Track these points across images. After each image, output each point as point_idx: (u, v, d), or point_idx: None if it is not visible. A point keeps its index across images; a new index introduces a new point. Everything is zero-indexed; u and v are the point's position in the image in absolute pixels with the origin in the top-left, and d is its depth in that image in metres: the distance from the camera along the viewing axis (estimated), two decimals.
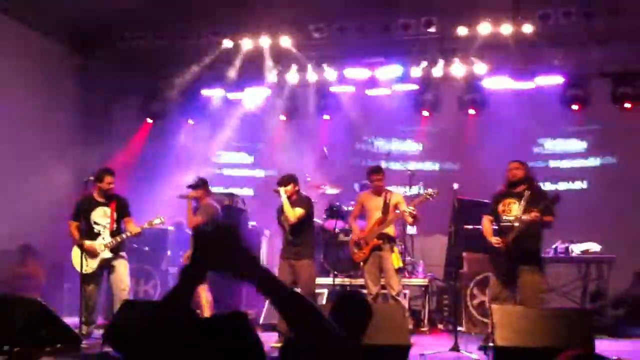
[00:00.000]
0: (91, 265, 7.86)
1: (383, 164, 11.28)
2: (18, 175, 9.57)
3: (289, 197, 7.89)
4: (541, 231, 7.27)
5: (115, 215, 8.01)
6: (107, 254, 7.88)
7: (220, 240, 2.15)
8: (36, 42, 10.46)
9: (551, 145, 11.71)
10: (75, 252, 7.88)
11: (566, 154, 11.62)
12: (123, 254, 8.07)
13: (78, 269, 7.82)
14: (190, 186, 8.37)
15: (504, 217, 7.24)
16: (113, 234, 7.94)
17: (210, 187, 8.65)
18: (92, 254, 7.85)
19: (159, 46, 11.23)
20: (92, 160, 10.60)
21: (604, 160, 11.35)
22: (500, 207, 7.30)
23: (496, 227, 7.38)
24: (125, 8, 9.82)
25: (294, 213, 7.80)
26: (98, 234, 7.93)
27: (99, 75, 11.40)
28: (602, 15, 10.00)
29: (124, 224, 8.04)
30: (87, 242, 7.84)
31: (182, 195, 8.45)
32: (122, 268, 7.97)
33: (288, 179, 8.02)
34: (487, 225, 7.42)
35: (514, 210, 7.19)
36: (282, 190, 7.91)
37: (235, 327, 2.12)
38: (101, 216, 7.98)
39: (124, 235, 7.95)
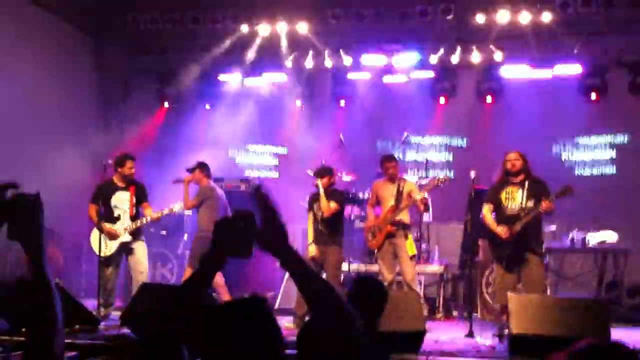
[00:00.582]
0: (110, 248, 7.95)
1: (399, 152, 11.38)
2: (35, 158, 9.62)
3: (325, 190, 8.02)
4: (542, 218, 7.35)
5: (134, 200, 8.09)
6: (127, 238, 7.97)
7: (240, 226, 2.17)
8: (52, 26, 10.49)
9: (568, 134, 11.61)
10: (95, 235, 7.96)
11: (583, 144, 11.53)
12: (142, 237, 8.15)
13: (97, 251, 7.90)
14: (187, 170, 8.60)
15: (509, 205, 7.25)
16: (133, 219, 8.03)
17: (209, 171, 8.79)
18: (112, 237, 7.93)
19: (176, 31, 11.25)
20: (109, 144, 10.70)
21: (621, 149, 11.26)
22: (504, 195, 7.32)
23: (497, 216, 7.38)
24: None
25: (328, 207, 7.96)
26: (118, 218, 8.02)
27: (116, 59, 11.44)
28: (621, 4, 9.94)
29: (142, 209, 8.12)
30: (107, 225, 7.92)
31: (177, 179, 8.60)
32: (141, 251, 8.06)
33: (326, 171, 8.20)
34: (488, 214, 7.44)
35: (517, 199, 7.21)
36: (319, 182, 8.07)
37: (253, 310, 2.15)
38: (121, 200, 8.07)
39: (144, 220, 8.03)
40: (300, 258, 2.16)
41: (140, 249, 8.06)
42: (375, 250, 8.32)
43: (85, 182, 9.46)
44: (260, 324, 2.13)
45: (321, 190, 8.04)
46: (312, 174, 8.38)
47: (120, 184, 8.13)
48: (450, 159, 12.03)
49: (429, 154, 11.49)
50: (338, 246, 8.08)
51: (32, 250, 2.19)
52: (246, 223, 2.18)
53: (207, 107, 12.42)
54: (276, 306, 8.96)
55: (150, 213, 8.08)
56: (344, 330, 2.13)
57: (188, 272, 8.34)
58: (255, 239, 2.16)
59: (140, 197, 8.18)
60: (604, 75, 11.03)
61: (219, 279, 8.07)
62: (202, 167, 8.65)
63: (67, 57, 10.81)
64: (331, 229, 8.07)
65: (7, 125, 9.12)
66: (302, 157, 11.35)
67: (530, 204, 7.13)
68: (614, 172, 11.17)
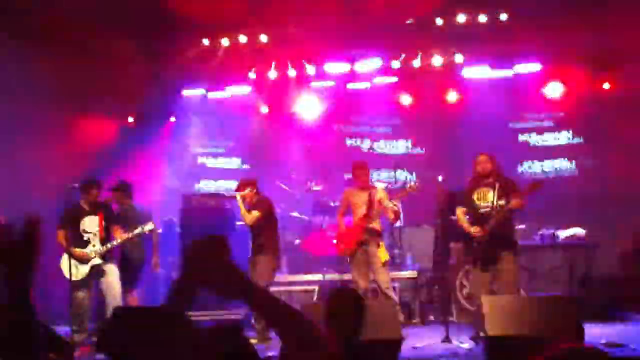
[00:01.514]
0: (81, 272, 7.84)
1: (366, 152, 11.44)
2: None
3: (248, 201, 8.19)
4: (513, 216, 7.47)
5: (103, 223, 8.02)
6: (98, 261, 7.88)
7: (206, 256, 2.15)
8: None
9: (530, 132, 11.78)
10: (65, 259, 7.85)
11: (545, 141, 11.70)
12: (113, 260, 8.07)
13: (68, 276, 7.78)
14: (110, 189, 8.77)
15: (481, 204, 7.35)
16: (103, 242, 7.95)
17: (129, 191, 8.87)
18: (83, 261, 7.83)
19: (138, 46, 11.13)
20: (73, 165, 10.54)
21: (580, 146, 11.47)
22: (475, 196, 7.41)
23: (470, 217, 7.47)
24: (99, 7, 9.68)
25: (250, 216, 8.12)
26: (87, 242, 7.93)
27: (75, 76, 11.18)
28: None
29: (112, 232, 8.05)
30: (77, 250, 7.82)
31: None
32: (113, 274, 7.96)
33: (244, 184, 8.34)
34: (462, 216, 7.53)
35: (489, 198, 7.31)
36: (238, 195, 8.23)
37: (230, 338, 2.13)
38: (90, 224, 7.99)
39: (114, 242, 7.95)
40: (264, 294, 2.15)
41: (112, 272, 7.97)
42: (348, 259, 8.31)
43: (52, 205, 9.32)
44: (238, 351, 2.12)
45: (239, 202, 8.18)
46: (284, 187, 8.40)
47: (87, 208, 8.05)
48: (417, 161, 12.11)
49: (395, 157, 11.55)
50: (265, 257, 8.12)
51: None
52: (212, 251, 2.15)
53: (172, 119, 12.32)
54: (253, 321, 8.90)
55: (120, 235, 8.00)
56: (317, 356, 2.12)
57: None
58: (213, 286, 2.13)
59: (110, 220, 8.11)
60: (564, 72, 11.20)
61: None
62: (123, 187, 8.75)
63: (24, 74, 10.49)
64: (261, 238, 8.17)
65: None
66: (269, 167, 11.36)
67: (502, 202, 7.23)
68: (575, 168, 11.36)
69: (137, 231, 8.07)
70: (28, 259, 2.20)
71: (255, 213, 8.09)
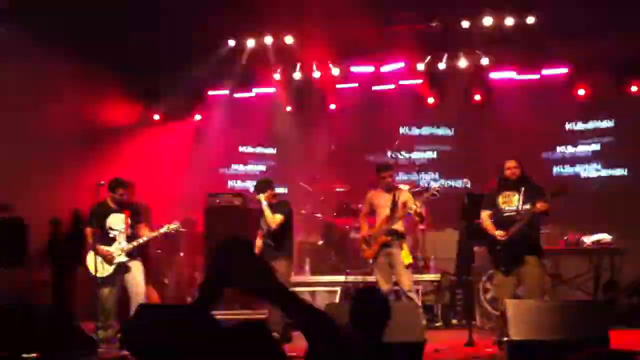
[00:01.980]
0: (107, 269, 7.92)
1: (390, 157, 11.41)
2: (30, 182, 9.58)
3: (269, 203, 8.14)
4: (540, 221, 7.40)
5: (129, 221, 8.10)
6: (123, 258, 7.96)
7: (234, 258, 2.16)
8: (35, 43, 10.29)
9: (557, 136, 11.67)
10: (90, 257, 7.94)
11: (573, 145, 11.59)
12: (138, 258, 8.14)
13: (94, 273, 7.87)
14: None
15: (506, 208, 7.30)
16: (129, 239, 8.03)
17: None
18: (108, 259, 7.91)
19: (164, 45, 11.20)
20: (100, 162, 10.68)
21: (609, 150, 11.34)
22: (500, 200, 7.37)
23: (494, 220, 7.42)
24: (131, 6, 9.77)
25: (274, 219, 8.06)
26: (113, 239, 8.01)
27: (102, 76, 11.31)
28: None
29: (137, 230, 8.12)
30: (102, 247, 7.91)
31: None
32: (138, 271, 8.03)
33: (265, 185, 8.27)
34: (486, 220, 7.48)
35: (514, 202, 7.27)
36: (262, 197, 8.15)
37: (255, 335, 2.14)
38: (116, 222, 8.07)
39: (140, 240, 8.03)
40: (290, 294, 2.16)
41: (137, 269, 8.04)
42: (371, 261, 8.30)
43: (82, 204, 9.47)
44: (263, 349, 2.13)
45: (264, 205, 8.11)
46: (307, 188, 8.38)
47: (114, 206, 8.13)
48: (441, 163, 12.06)
49: (420, 159, 11.50)
50: (286, 259, 8.15)
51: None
52: (241, 252, 2.17)
53: (197, 117, 12.39)
54: None
55: (146, 233, 8.09)
56: (341, 354, 2.13)
57: None
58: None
59: (136, 218, 8.19)
60: (592, 75, 11.09)
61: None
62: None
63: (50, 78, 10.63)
64: (278, 242, 8.13)
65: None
66: (294, 168, 11.39)
67: (527, 207, 7.18)
68: (603, 173, 11.23)
69: (162, 230, 8.14)
70: (75, 256, 2.25)
71: (279, 216, 8.08)
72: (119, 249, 7.96)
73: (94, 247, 7.90)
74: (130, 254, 8.01)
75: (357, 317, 3.85)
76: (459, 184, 8.26)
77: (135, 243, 8.02)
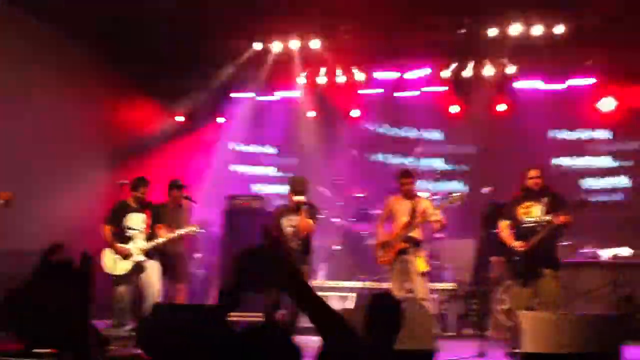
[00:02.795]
0: (124, 267, 8.01)
1: (412, 164, 11.39)
2: (48, 177, 9.70)
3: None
4: (559, 234, 7.33)
5: (150, 221, 8.18)
6: (140, 257, 8.04)
7: (261, 262, 2.19)
8: (63, 47, 10.45)
9: (582, 147, 11.56)
10: (108, 255, 8.03)
11: (597, 154, 11.47)
12: (156, 257, 8.21)
13: (110, 271, 7.96)
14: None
15: (525, 219, 7.23)
16: (148, 238, 8.10)
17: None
18: (124, 257, 8.00)
19: (189, 47, 11.30)
20: (125, 162, 10.81)
21: (634, 163, 11.19)
22: (520, 210, 7.30)
23: (513, 231, 7.36)
24: (155, 8, 9.85)
25: (310, 226, 7.60)
26: (130, 238, 8.09)
27: (130, 76, 11.44)
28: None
29: (156, 230, 8.19)
30: (119, 246, 8.00)
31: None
32: (154, 271, 8.11)
33: (304, 186, 7.70)
34: (505, 230, 7.41)
35: (534, 212, 7.19)
36: (301, 199, 7.56)
37: (273, 337, 2.16)
38: (135, 221, 8.15)
39: (159, 241, 8.09)
40: (313, 293, 2.19)
41: (153, 269, 8.11)
42: (387, 267, 8.28)
43: (101, 203, 9.58)
44: (280, 351, 2.15)
45: (304, 208, 7.55)
46: (326, 192, 8.28)
47: (134, 205, 8.22)
48: (463, 172, 11.99)
49: (441, 167, 11.46)
50: (309, 264, 7.90)
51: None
52: (269, 257, 2.21)
53: (221, 120, 12.47)
54: None
55: (164, 234, 8.15)
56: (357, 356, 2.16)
57: None
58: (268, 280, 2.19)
59: (155, 219, 8.26)
60: (618, 87, 10.97)
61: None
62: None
63: (78, 79, 10.76)
64: (306, 246, 7.70)
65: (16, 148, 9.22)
66: (314, 172, 11.40)
67: (548, 218, 7.11)
68: (627, 185, 11.08)
69: (181, 231, 8.20)
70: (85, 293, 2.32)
71: (312, 223, 7.62)
72: (137, 248, 8.05)
73: (111, 244, 7.99)
74: (148, 254, 8.09)
75: (370, 322, 3.86)
76: (480, 193, 8.16)
77: (153, 243, 8.10)
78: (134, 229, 8.15)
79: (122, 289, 8.04)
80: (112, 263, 7.97)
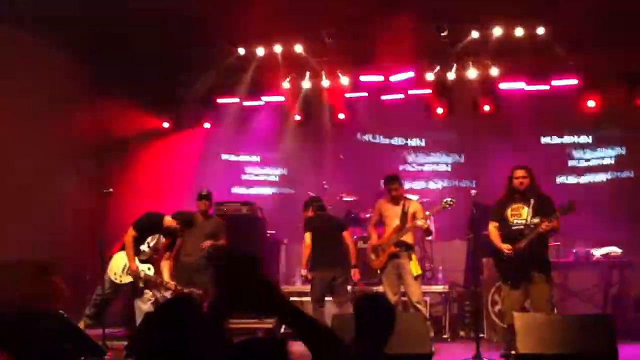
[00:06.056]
0: (124, 280, 7.90)
1: (400, 168, 11.40)
2: (40, 188, 9.61)
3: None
4: (549, 236, 7.36)
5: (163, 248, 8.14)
6: (141, 283, 7.91)
7: (240, 277, 2.16)
8: (46, 54, 10.34)
9: (567, 145, 11.64)
10: (118, 260, 7.90)
11: (581, 154, 11.55)
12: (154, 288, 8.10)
13: (113, 277, 7.86)
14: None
15: (515, 221, 7.25)
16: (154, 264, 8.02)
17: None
18: (130, 272, 7.85)
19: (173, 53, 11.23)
20: (110, 171, 10.71)
21: (618, 162, 11.28)
22: (509, 212, 7.31)
23: (502, 232, 7.37)
24: (140, 16, 9.78)
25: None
26: (139, 252, 7.97)
27: (113, 83, 11.35)
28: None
29: (163, 259, 8.11)
30: (134, 263, 7.84)
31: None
32: (144, 302, 7.96)
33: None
34: (494, 231, 7.44)
35: (523, 215, 7.21)
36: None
37: (270, 351, 2.14)
38: (153, 242, 8.03)
39: (159, 279, 7.96)
40: (296, 310, 2.16)
41: (144, 300, 7.95)
42: (379, 271, 8.28)
43: (89, 211, 9.50)
44: None
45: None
46: (313, 195, 8.36)
47: (167, 227, 8.06)
48: (449, 173, 12.02)
49: (428, 168, 11.49)
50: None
51: None
52: (246, 270, 2.18)
53: (206, 125, 12.41)
54: (282, 330, 8.91)
55: (167, 276, 8.01)
56: None
57: None
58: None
59: (169, 247, 8.20)
60: (601, 86, 11.05)
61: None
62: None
63: (62, 85, 10.67)
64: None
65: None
66: (302, 177, 11.39)
67: (536, 221, 7.12)
68: (611, 184, 11.17)
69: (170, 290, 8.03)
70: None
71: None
72: (143, 272, 7.88)
73: (127, 251, 7.84)
74: (147, 283, 7.94)
75: (360, 324, 3.82)
76: (467, 194, 8.18)
77: (153, 275, 7.95)
78: (149, 248, 8.02)
79: (110, 291, 7.94)
80: (119, 270, 7.86)
